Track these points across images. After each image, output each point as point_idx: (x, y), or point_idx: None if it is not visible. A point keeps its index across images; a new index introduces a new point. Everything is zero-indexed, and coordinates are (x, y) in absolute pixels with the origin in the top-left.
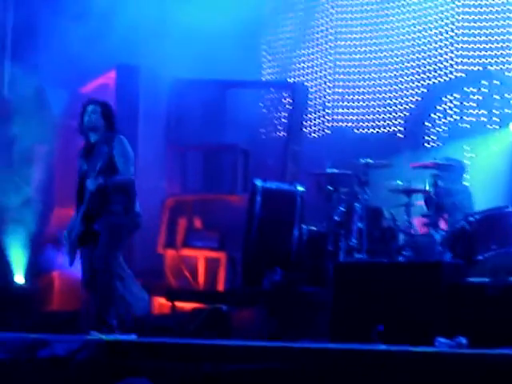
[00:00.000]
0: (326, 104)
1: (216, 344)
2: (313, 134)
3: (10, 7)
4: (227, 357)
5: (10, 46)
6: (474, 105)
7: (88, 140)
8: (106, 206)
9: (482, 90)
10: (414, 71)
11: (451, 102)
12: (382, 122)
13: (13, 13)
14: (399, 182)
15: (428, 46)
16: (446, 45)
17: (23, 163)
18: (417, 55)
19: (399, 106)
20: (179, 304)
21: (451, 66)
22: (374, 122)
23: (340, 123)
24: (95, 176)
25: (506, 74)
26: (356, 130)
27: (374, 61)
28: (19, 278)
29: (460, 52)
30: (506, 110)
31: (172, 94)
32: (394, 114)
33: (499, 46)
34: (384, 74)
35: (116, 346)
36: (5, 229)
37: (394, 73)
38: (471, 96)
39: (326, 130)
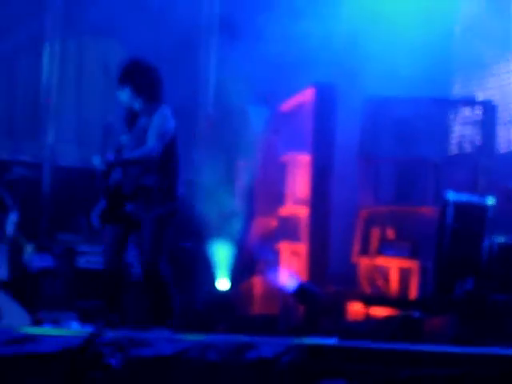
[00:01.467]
0: None
1: (414, 349)
2: (502, 150)
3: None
4: (425, 362)
5: (213, 66)
6: None
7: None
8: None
9: None
10: None
11: None
12: None
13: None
14: None
15: None
16: None
17: (227, 177)
18: None
19: None
20: (373, 310)
21: None
22: None
23: None
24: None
25: None
26: None
27: None
28: (223, 284)
29: None
30: None
31: (365, 111)
32: None
33: None
34: None
35: (317, 349)
36: (211, 238)
37: None
38: None
39: None
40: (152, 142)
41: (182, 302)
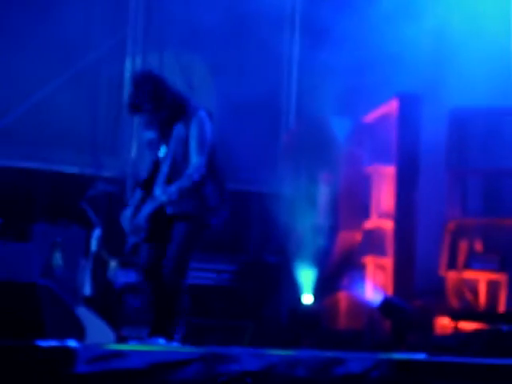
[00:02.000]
0: None
1: (504, 363)
2: None
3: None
4: None
5: (295, 77)
6: None
7: None
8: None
9: None
10: None
11: None
12: None
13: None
14: None
15: None
16: None
17: (311, 190)
18: None
19: None
20: (461, 325)
21: None
22: None
23: None
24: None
25: None
26: None
27: None
28: (307, 299)
29: None
30: None
31: (452, 121)
32: None
33: None
34: None
35: (406, 365)
36: (295, 253)
37: None
38: None
39: None
40: (196, 158)
41: (266, 317)
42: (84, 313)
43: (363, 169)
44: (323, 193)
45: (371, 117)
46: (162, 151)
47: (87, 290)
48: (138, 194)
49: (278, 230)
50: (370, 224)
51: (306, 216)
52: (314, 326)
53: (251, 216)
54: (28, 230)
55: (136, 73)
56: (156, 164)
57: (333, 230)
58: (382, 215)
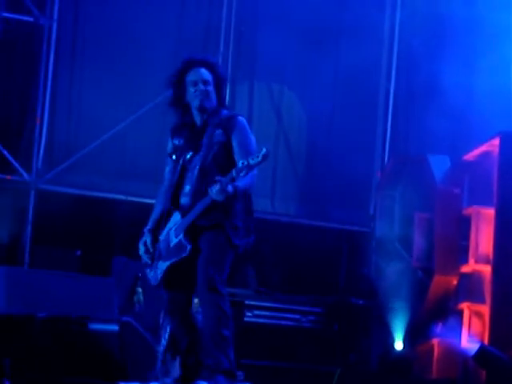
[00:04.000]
0: None
1: None
2: None
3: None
4: None
5: (391, 111)
6: None
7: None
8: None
9: None
10: None
11: None
12: None
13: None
14: None
15: None
16: None
17: (404, 230)
18: None
19: None
20: None
21: None
22: None
23: None
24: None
25: None
26: None
27: None
28: (398, 345)
29: None
30: None
31: None
32: None
33: None
34: None
35: None
36: (386, 294)
37: None
38: None
39: None
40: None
41: (354, 362)
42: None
43: (462, 210)
44: (418, 234)
45: (471, 156)
46: (185, 160)
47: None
48: (155, 216)
49: (369, 271)
50: (468, 268)
51: (400, 258)
52: (405, 373)
53: (341, 256)
54: (107, 264)
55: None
56: (179, 173)
57: (428, 274)
58: (480, 259)
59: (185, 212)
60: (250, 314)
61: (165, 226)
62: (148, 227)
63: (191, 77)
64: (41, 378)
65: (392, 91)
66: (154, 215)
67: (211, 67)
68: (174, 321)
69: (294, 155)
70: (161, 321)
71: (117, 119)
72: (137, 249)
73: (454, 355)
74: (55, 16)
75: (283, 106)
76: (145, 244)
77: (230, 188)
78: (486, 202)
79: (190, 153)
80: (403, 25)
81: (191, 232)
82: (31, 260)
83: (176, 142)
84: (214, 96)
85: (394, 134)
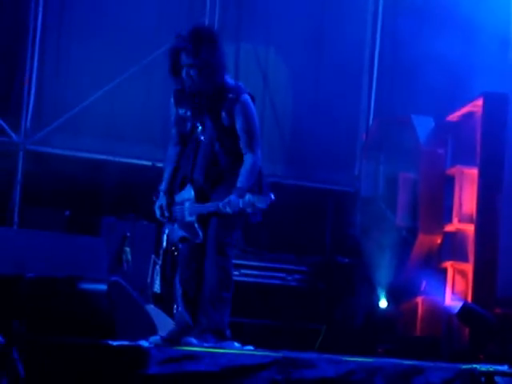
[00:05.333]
0: None
1: None
2: None
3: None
4: None
5: (375, 73)
6: None
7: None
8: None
9: None
10: None
11: None
12: None
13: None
14: None
15: None
16: None
17: (388, 190)
18: None
19: None
20: None
21: None
22: None
23: None
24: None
25: None
26: None
27: None
28: (383, 303)
29: None
30: None
31: None
32: None
33: None
34: None
35: (487, 376)
36: (371, 254)
37: None
38: None
39: None
40: (250, 154)
41: (339, 320)
42: (153, 310)
43: (445, 170)
44: (403, 194)
45: (455, 116)
46: (197, 132)
47: (157, 286)
48: (168, 176)
49: (354, 230)
50: (451, 227)
51: (384, 217)
52: (389, 331)
53: (326, 215)
54: (96, 224)
55: (199, 27)
56: (184, 142)
57: (412, 233)
58: (463, 219)
59: (198, 189)
60: (237, 272)
61: (179, 190)
62: (162, 187)
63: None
64: (29, 338)
65: (377, 54)
66: (167, 174)
67: (193, 50)
68: (188, 271)
69: (279, 117)
70: (149, 280)
71: (105, 80)
72: (124, 208)
73: (438, 313)
74: None
75: (269, 68)
76: (160, 208)
77: (239, 206)
78: (469, 162)
79: (199, 128)
80: None
81: (202, 218)
82: (20, 220)
83: (181, 111)
84: (203, 78)
85: (378, 95)
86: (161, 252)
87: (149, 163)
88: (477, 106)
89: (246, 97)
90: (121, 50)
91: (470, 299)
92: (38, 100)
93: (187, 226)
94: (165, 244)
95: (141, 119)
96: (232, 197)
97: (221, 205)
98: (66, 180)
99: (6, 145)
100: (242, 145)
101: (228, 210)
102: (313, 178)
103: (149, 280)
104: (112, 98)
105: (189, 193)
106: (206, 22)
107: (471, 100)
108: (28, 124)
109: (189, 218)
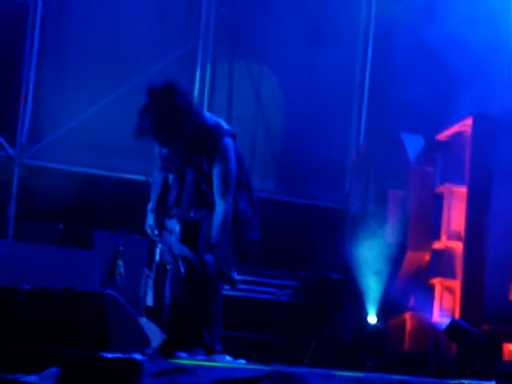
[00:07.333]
0: None
1: None
2: None
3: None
4: None
5: (366, 92)
6: None
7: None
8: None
9: None
10: None
11: None
12: None
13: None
14: None
15: None
16: None
17: (378, 207)
18: None
19: None
20: None
21: None
22: None
23: None
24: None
25: None
26: None
27: None
28: (372, 318)
29: None
30: None
31: None
32: None
33: None
34: None
35: None
36: (361, 271)
37: None
38: None
39: None
40: (221, 201)
41: (329, 335)
42: (146, 323)
43: (435, 188)
44: (392, 211)
45: (444, 135)
46: (174, 171)
47: (149, 300)
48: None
49: (344, 246)
50: (440, 245)
51: (374, 234)
52: (378, 346)
53: (317, 231)
54: (89, 237)
55: (154, 85)
56: (166, 183)
57: (401, 250)
58: (452, 236)
59: (183, 226)
60: (228, 286)
61: (167, 214)
62: (150, 207)
63: None
64: (25, 350)
65: (368, 73)
66: (154, 196)
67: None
68: (177, 284)
69: (272, 134)
70: (142, 293)
71: (100, 95)
72: (118, 223)
73: (426, 329)
74: None
75: (262, 85)
76: (150, 227)
77: (217, 266)
78: (458, 181)
79: (175, 169)
80: (380, 8)
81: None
82: (15, 233)
83: (164, 151)
84: (171, 132)
85: (369, 114)
86: (153, 266)
87: (143, 178)
88: (466, 125)
89: (225, 142)
90: (116, 66)
91: (457, 315)
92: (33, 114)
93: (173, 256)
94: (157, 258)
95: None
96: (207, 257)
97: (199, 265)
98: (61, 193)
99: (2, 158)
100: (216, 192)
101: (206, 271)
102: (304, 195)
103: (142, 293)
104: (107, 113)
105: (175, 226)
106: (201, 41)
107: (460, 119)
108: (24, 138)
109: (175, 251)
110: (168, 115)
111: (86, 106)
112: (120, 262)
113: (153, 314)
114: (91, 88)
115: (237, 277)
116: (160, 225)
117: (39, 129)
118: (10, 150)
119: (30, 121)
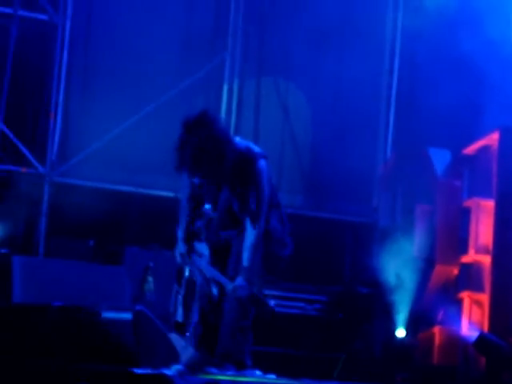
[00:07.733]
0: None
1: None
2: None
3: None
4: None
5: (393, 106)
6: None
7: None
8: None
9: None
10: None
11: None
12: None
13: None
14: None
15: None
16: None
17: (406, 221)
18: None
19: None
20: None
21: None
22: None
23: None
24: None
25: None
26: None
27: None
28: (401, 332)
29: None
30: None
31: None
32: None
33: None
34: None
35: None
36: (389, 283)
37: None
38: None
39: None
40: (253, 226)
41: (358, 349)
42: (176, 339)
43: (462, 202)
44: (420, 225)
45: (471, 149)
46: (210, 199)
47: (179, 316)
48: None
49: (372, 261)
50: (468, 258)
51: (402, 248)
52: (407, 360)
53: (345, 246)
54: (120, 254)
55: (188, 118)
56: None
57: (429, 264)
58: (480, 250)
59: (212, 251)
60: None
61: (195, 236)
62: (180, 235)
63: None
64: (55, 366)
65: (394, 86)
66: (182, 224)
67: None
68: (207, 300)
69: (299, 149)
70: (172, 309)
71: (128, 113)
72: (147, 239)
73: (455, 342)
74: (69, 14)
75: (289, 101)
76: (181, 255)
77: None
78: (485, 195)
79: (211, 197)
80: (406, 21)
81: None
82: (46, 250)
83: (195, 180)
84: (211, 155)
85: (396, 128)
86: (183, 282)
87: (171, 194)
88: (493, 139)
89: (259, 165)
90: (144, 84)
91: (486, 329)
92: (63, 133)
93: (205, 279)
94: (187, 274)
95: (163, 151)
96: (239, 280)
97: (231, 289)
98: (91, 210)
99: (32, 176)
100: (248, 214)
101: (239, 294)
102: (332, 209)
103: (171, 309)
104: (135, 131)
105: (205, 249)
106: (229, 58)
107: (487, 133)
108: (54, 156)
109: (206, 274)
110: (208, 145)
111: (115, 123)
112: (150, 278)
113: (183, 329)
114: (119, 106)
115: (273, 304)
116: (190, 249)
117: (68, 147)
118: (40, 168)
119: (59, 139)
